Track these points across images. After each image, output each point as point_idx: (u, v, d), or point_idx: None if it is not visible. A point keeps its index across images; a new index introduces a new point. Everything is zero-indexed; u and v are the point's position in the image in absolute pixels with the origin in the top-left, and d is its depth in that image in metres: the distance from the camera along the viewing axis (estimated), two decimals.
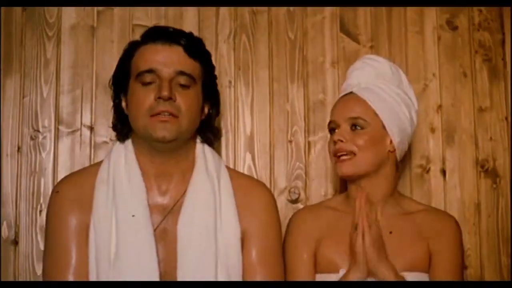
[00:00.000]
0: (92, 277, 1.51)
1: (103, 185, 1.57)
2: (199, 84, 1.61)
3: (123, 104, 1.63)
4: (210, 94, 1.66)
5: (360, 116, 1.67)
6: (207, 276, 1.51)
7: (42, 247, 1.90)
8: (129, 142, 1.63)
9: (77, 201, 1.57)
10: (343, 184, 1.88)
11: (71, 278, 1.52)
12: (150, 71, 1.54)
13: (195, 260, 1.52)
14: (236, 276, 1.55)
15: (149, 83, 1.54)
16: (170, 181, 1.60)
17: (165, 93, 1.51)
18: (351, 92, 1.72)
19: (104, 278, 1.50)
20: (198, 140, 1.67)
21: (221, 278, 1.52)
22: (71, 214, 1.55)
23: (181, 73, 1.55)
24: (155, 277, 1.49)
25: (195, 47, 1.60)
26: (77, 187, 1.59)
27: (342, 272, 1.61)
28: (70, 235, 1.54)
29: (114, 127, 1.67)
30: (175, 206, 1.57)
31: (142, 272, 1.49)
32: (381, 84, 1.72)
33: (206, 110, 1.65)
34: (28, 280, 1.89)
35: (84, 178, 1.62)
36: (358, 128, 1.67)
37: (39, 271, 1.89)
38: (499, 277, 2.04)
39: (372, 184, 1.69)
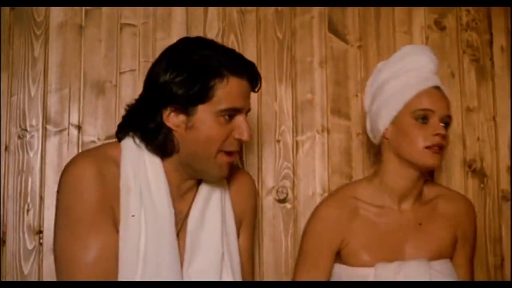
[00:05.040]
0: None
1: (131, 195, 1.47)
2: None
3: (169, 117, 1.47)
4: None
5: (450, 115, 1.71)
6: (213, 268, 1.52)
7: (29, 246, 1.91)
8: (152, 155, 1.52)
9: (103, 183, 1.44)
10: (334, 182, 1.89)
11: (96, 260, 1.39)
12: (236, 109, 1.48)
13: (202, 263, 1.52)
14: (237, 265, 1.57)
15: (230, 120, 1.48)
16: (187, 187, 1.57)
17: (248, 138, 1.50)
18: (438, 87, 1.72)
19: (131, 270, 1.43)
20: None
21: (225, 269, 1.53)
22: (100, 191, 1.43)
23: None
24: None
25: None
26: (101, 171, 1.46)
27: (379, 265, 1.65)
28: (99, 209, 1.42)
29: (148, 137, 1.49)
30: (189, 209, 1.55)
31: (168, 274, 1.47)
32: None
33: None
34: (15, 280, 1.89)
35: (106, 164, 1.48)
36: (447, 126, 1.70)
37: (26, 270, 1.90)
38: (486, 276, 2.05)
39: (420, 177, 1.73)
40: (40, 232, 1.91)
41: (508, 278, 2.04)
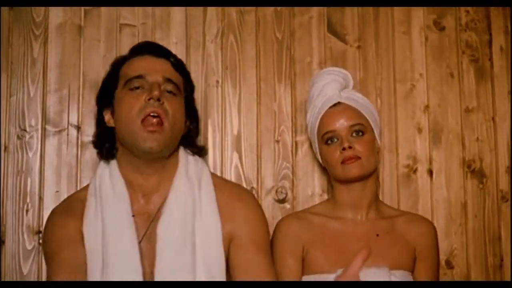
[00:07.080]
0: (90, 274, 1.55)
1: (92, 197, 1.62)
2: (182, 97, 1.67)
3: (107, 117, 1.67)
4: (191, 111, 1.72)
5: (359, 123, 1.74)
6: (184, 275, 1.53)
7: (28, 246, 1.91)
8: (113, 160, 1.68)
9: (68, 211, 1.64)
10: (331, 187, 1.89)
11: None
12: (139, 76, 1.61)
13: (172, 260, 1.54)
14: (220, 275, 1.57)
15: (138, 88, 1.60)
16: (154, 188, 1.63)
17: (155, 92, 1.57)
18: (338, 103, 1.76)
19: (98, 275, 1.54)
20: (182, 148, 1.70)
21: (201, 276, 1.54)
22: (66, 224, 1.61)
23: (169, 80, 1.63)
24: (139, 278, 1.52)
25: (179, 63, 1.70)
26: (67, 208, 1.67)
27: (339, 271, 1.62)
28: (67, 243, 1.58)
29: (98, 143, 1.71)
30: (158, 212, 1.60)
31: (128, 275, 1.53)
32: (353, 94, 1.81)
33: (187, 124, 1.71)
34: (14, 280, 1.89)
35: (72, 201, 1.69)
36: (360, 134, 1.73)
37: (25, 270, 1.90)
38: (485, 277, 2.05)
39: (365, 187, 1.76)
40: (39, 232, 1.91)
41: (507, 278, 2.04)
